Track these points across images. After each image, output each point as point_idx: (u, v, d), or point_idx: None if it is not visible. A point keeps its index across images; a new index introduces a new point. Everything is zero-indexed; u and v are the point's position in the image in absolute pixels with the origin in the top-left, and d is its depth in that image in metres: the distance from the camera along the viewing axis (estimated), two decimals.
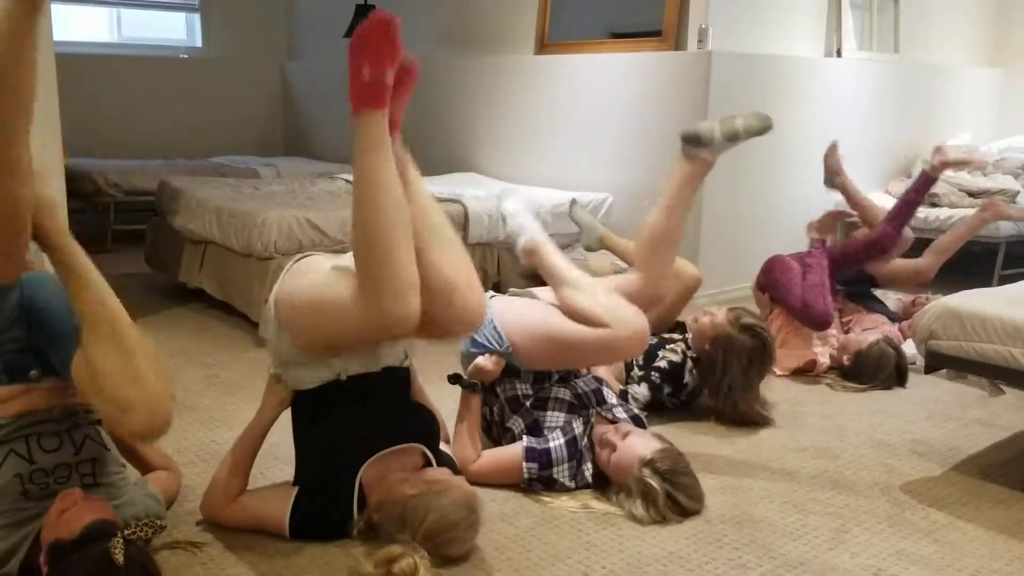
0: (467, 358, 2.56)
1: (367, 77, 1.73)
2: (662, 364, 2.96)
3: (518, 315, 2.53)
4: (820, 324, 3.47)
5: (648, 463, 2.25)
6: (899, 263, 3.92)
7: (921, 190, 3.72)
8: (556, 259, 2.55)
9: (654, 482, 2.22)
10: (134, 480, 2.07)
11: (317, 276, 2.01)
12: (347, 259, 2.18)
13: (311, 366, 2.10)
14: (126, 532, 1.70)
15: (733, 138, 2.48)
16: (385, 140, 1.78)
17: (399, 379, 2.21)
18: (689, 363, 2.97)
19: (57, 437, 1.89)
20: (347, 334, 1.94)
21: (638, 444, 2.30)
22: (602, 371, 2.93)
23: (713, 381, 2.91)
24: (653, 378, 2.95)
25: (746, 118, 2.47)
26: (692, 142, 2.54)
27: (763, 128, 2.47)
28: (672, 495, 2.23)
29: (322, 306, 1.93)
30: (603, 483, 2.38)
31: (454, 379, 2.53)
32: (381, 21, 1.72)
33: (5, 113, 1.59)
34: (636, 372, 3.01)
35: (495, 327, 2.51)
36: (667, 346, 3.02)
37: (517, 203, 2.73)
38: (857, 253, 3.76)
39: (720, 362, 2.86)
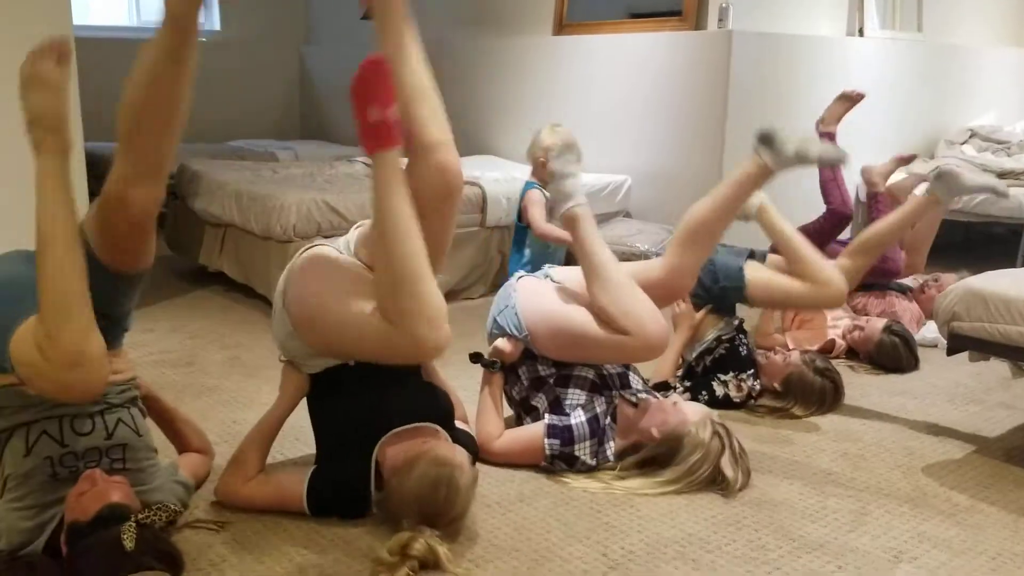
0: (492, 337, 2.57)
1: (374, 117, 1.83)
2: (718, 393, 2.90)
3: (539, 302, 2.49)
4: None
5: (706, 418, 2.31)
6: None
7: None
8: (593, 236, 2.42)
9: (721, 432, 2.30)
10: (166, 464, 2.09)
11: (337, 289, 2.02)
12: (352, 238, 2.20)
13: (320, 357, 2.14)
14: (139, 516, 1.71)
15: (803, 159, 2.41)
16: (400, 176, 1.87)
17: None
18: (749, 403, 2.92)
19: (90, 419, 1.90)
20: (371, 355, 2.00)
21: (683, 405, 2.37)
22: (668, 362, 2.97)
23: (772, 410, 2.88)
24: (700, 398, 2.88)
25: (824, 149, 2.44)
26: (765, 141, 2.44)
27: (836, 159, 2.45)
28: (735, 450, 2.30)
29: (347, 327, 1.96)
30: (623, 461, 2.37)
31: (475, 358, 2.57)
32: (375, 63, 1.83)
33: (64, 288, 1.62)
34: (679, 385, 2.93)
35: (516, 312, 2.49)
36: (729, 376, 2.92)
37: (573, 166, 2.52)
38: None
39: (789, 401, 2.87)
